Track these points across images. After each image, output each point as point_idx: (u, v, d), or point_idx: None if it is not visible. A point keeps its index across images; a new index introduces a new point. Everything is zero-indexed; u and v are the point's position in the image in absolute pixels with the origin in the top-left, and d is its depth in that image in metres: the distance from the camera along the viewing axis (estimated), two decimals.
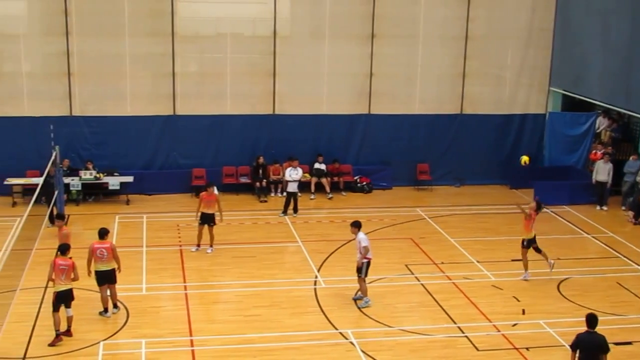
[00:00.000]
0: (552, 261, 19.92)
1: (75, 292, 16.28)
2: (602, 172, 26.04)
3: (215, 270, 20.43)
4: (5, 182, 25.42)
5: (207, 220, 21.29)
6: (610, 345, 13.17)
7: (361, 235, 17.97)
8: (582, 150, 28.08)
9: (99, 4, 26.12)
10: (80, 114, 26.51)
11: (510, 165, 28.24)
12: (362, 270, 17.90)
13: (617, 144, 28.07)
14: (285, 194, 25.49)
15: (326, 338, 16.48)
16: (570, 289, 19.29)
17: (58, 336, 15.90)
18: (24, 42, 26.46)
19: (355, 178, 28.00)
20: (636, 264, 21.29)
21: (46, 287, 17.48)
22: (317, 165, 27.25)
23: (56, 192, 22.04)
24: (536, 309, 18.06)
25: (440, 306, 18.15)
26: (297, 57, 27.52)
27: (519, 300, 18.51)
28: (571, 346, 13.13)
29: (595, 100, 27.09)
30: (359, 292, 18.26)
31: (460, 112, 28.61)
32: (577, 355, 12.94)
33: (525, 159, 23.55)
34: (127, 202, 25.81)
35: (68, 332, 16.11)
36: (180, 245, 21.93)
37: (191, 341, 16.24)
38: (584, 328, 13.03)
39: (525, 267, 19.83)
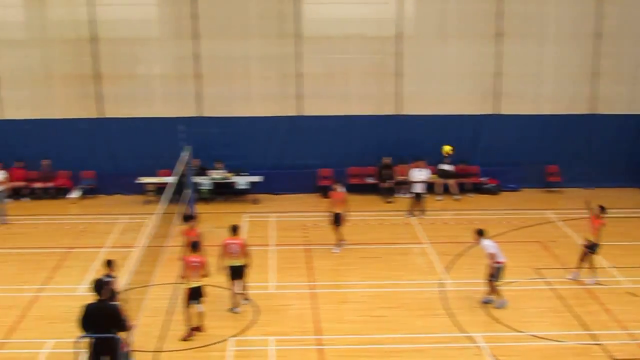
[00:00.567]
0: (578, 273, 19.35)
1: (206, 289, 16.63)
2: None
3: (341, 270, 20.45)
4: (138, 181, 26.27)
5: (335, 219, 21.39)
6: None
7: (486, 242, 17.66)
8: None
9: (227, 7, 26.65)
10: (210, 115, 27.10)
11: None
12: (495, 274, 17.57)
13: None
14: (411, 194, 25.29)
15: (453, 341, 16.23)
16: None
17: (190, 331, 16.27)
18: (156, 46, 27.31)
19: (483, 179, 27.53)
20: None
21: (179, 284, 17.88)
22: (443, 166, 26.93)
23: (187, 192, 22.55)
24: None
25: (572, 312, 17.59)
26: (422, 57, 27.29)
27: None
28: None
29: None
30: (491, 296, 17.90)
31: (592, 112, 27.69)
32: None
33: (447, 148, 22.66)
34: (255, 202, 26.20)
35: (199, 328, 16.45)
36: (308, 245, 22.07)
37: (318, 340, 16.29)
38: None
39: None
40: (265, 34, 26.87)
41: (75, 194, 26.76)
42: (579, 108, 27.74)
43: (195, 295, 16.32)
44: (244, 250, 17.46)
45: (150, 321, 16.74)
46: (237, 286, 17.63)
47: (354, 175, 27.34)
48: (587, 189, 27.59)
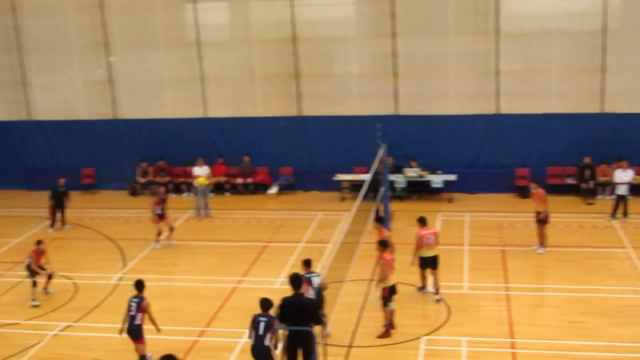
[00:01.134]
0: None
1: (399, 287, 16.71)
2: None
3: (537, 273, 19.91)
4: (335, 178, 26.75)
5: (540, 218, 20.86)
6: None
7: None
8: None
9: (424, 5, 26.58)
10: (406, 113, 27.14)
11: None
12: None
13: None
14: (614, 196, 24.17)
15: None
16: None
17: (387, 330, 16.38)
18: (353, 45, 27.67)
19: None
20: None
21: (372, 280, 18.03)
22: None
23: (382, 189, 22.70)
24: None
25: None
26: (628, 52, 25.95)
27: None
28: None
29: None
30: None
31: None
32: None
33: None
34: (450, 201, 25.99)
35: (391, 325, 16.52)
36: (503, 246, 21.64)
37: (512, 343, 15.93)
38: None
39: None
40: (462, 31, 26.53)
41: (273, 190, 27.62)
42: None
43: (391, 293, 16.43)
44: (438, 240, 17.96)
45: (343, 317, 16.99)
46: (432, 278, 17.92)
47: (554, 175, 26.44)
48: None
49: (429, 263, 18.00)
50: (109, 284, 20.00)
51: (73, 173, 28.29)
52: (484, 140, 26.95)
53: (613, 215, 23.66)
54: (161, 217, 22.79)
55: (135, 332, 15.25)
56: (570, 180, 26.25)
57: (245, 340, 16.18)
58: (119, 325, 15.41)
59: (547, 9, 26.28)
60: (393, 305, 16.50)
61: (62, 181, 24.92)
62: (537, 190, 20.98)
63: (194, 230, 24.33)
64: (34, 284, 19.05)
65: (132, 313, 15.22)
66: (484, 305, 17.88)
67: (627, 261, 20.33)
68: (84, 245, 23.64)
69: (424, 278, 18.39)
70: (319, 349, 13.69)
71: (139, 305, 15.24)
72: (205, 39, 28.11)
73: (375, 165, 21.74)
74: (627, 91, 26.02)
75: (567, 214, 24.18)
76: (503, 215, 24.35)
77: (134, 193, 28.77)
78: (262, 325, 13.54)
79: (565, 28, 26.39)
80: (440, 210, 25.15)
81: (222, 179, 28.14)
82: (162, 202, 22.89)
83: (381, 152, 22.29)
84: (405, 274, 17.79)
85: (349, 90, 27.67)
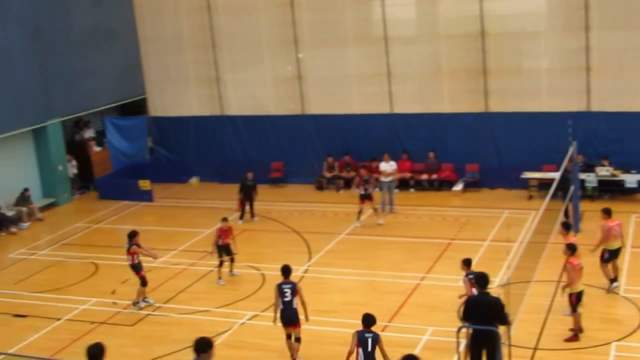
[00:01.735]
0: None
1: (588, 290, 16.17)
2: None
3: None
4: (522, 176, 26.16)
5: None
6: None
7: None
8: None
9: None
10: (598, 110, 26.09)
11: None
12: None
13: None
14: None
15: None
16: None
17: (576, 335, 15.89)
18: (544, 39, 26.85)
19: None
20: None
21: (558, 281, 17.53)
22: None
23: (572, 188, 21.98)
24: None
25: None
26: None
27: None
28: None
29: None
30: None
31: None
32: None
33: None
34: None
35: (579, 329, 15.99)
36: None
37: None
38: None
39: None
40: None
41: (459, 187, 27.36)
42: None
43: (578, 300, 15.94)
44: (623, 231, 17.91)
45: (529, 317, 16.58)
46: (614, 269, 17.77)
47: None
48: None
49: (615, 255, 17.80)
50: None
51: (262, 167, 29.23)
52: None
53: None
54: (364, 197, 23.80)
55: (295, 317, 15.57)
56: None
57: (427, 337, 16.21)
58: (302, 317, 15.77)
59: None
60: (579, 309, 15.98)
61: (250, 175, 25.75)
62: None
63: (379, 226, 24.48)
64: (220, 264, 20.19)
65: (288, 298, 15.51)
66: None
67: None
68: (271, 237, 24.37)
69: (615, 269, 18.01)
70: (504, 350, 13.44)
71: (294, 289, 15.57)
72: (392, 35, 28.18)
73: (565, 164, 21.08)
74: None
75: None
76: None
77: (320, 187, 29.30)
78: (369, 342, 13.52)
79: None
80: (634, 211, 23.96)
81: (407, 174, 28.17)
82: (364, 182, 23.94)
83: (571, 150, 21.57)
84: (592, 276, 17.08)
85: (538, 86, 26.88)
